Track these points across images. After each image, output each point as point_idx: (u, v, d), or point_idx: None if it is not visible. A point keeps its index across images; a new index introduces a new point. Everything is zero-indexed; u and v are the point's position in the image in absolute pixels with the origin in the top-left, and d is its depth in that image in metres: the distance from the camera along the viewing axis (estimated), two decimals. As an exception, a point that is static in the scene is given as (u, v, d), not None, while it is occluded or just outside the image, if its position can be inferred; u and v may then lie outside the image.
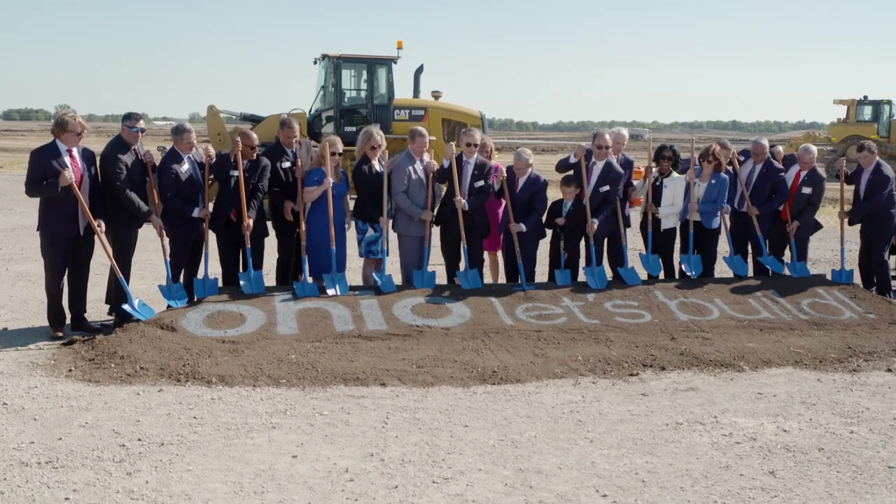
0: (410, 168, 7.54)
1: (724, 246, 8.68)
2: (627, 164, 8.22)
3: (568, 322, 7.03)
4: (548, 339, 6.70)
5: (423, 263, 7.65)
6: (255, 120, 16.64)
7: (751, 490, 4.20)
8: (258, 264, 7.36)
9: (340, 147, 7.52)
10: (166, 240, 7.11)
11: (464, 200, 7.55)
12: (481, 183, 7.67)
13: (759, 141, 8.62)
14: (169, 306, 6.94)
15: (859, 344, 6.93)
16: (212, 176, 7.37)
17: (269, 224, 7.65)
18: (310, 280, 7.28)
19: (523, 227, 7.65)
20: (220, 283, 7.29)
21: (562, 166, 8.01)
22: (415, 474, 4.30)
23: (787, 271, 8.39)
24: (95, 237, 6.71)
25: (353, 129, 16.39)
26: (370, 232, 7.57)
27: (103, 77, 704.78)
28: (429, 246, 7.71)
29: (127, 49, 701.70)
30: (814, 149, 8.63)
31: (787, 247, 8.57)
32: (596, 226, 7.80)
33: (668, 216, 8.16)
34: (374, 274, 7.47)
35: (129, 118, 6.98)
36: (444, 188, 7.88)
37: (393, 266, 7.79)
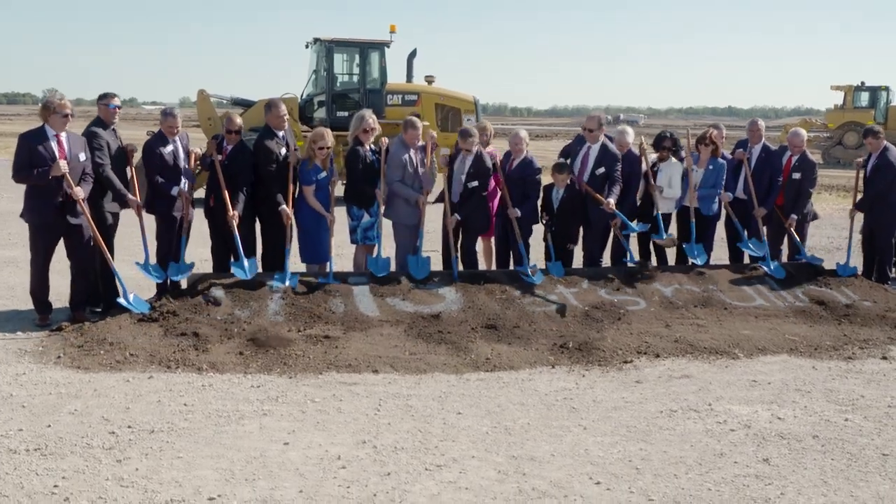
0: (405, 157, 7.50)
1: (722, 233, 8.66)
2: (636, 160, 8.10)
3: (562, 308, 7.03)
4: (542, 325, 6.70)
5: (417, 250, 7.63)
6: (245, 104, 16.54)
7: (745, 477, 4.22)
8: (251, 251, 7.31)
9: (329, 141, 7.35)
10: (146, 218, 7.15)
11: (456, 217, 7.57)
12: (475, 184, 7.62)
13: (756, 120, 8.59)
14: (161, 283, 7.10)
15: (855, 331, 6.95)
16: (199, 164, 7.51)
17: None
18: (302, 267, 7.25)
19: (518, 213, 7.62)
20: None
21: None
22: (407, 461, 4.31)
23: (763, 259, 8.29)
24: (85, 225, 6.64)
25: (346, 114, 16.32)
26: (366, 217, 7.53)
27: (93, 61, 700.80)
28: (421, 230, 7.68)
29: (117, 32, 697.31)
30: (803, 132, 8.58)
31: (785, 238, 8.54)
32: (614, 202, 7.64)
33: (663, 202, 8.12)
34: (368, 257, 7.43)
35: (105, 97, 7.06)
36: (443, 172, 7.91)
37: (387, 252, 7.76)
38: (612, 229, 7.96)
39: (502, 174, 7.73)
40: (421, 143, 7.67)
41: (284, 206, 7.14)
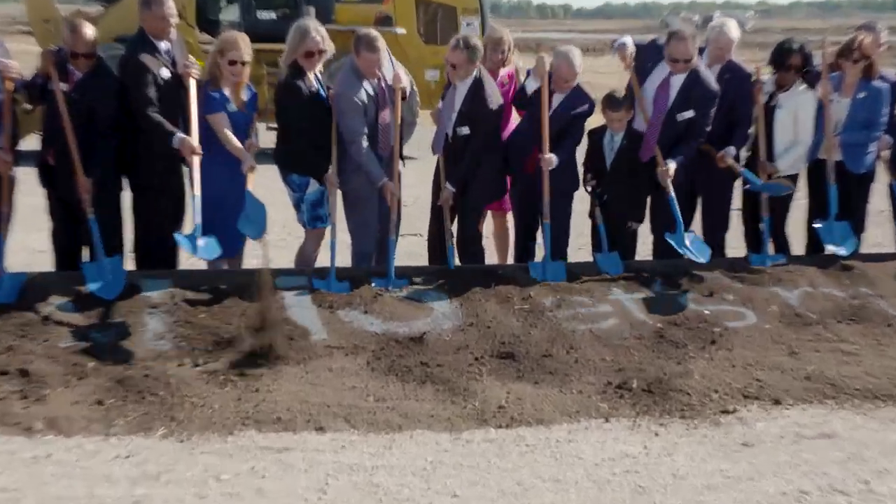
0: (362, 96, 7.42)
1: (877, 203, 8.70)
2: (744, 78, 8.04)
3: (619, 325, 7.06)
4: (588, 353, 6.68)
5: (387, 266, 7.58)
6: (106, 0, 16.60)
7: None
8: (114, 244, 7.32)
9: (246, 53, 7.36)
10: None
11: (451, 189, 7.62)
12: (466, 131, 7.60)
13: None
14: None
15: None
16: (23, 96, 7.37)
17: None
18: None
19: (554, 160, 7.53)
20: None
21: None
22: (371, 579, 4.25)
23: None
24: None
25: (273, 15, 16.37)
26: (313, 187, 7.53)
27: None
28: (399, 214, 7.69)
29: None
30: None
31: None
32: (672, 170, 7.61)
33: (784, 157, 8.07)
34: (314, 279, 7.41)
35: None
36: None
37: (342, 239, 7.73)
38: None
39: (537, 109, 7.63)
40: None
41: (182, 135, 7.05)
